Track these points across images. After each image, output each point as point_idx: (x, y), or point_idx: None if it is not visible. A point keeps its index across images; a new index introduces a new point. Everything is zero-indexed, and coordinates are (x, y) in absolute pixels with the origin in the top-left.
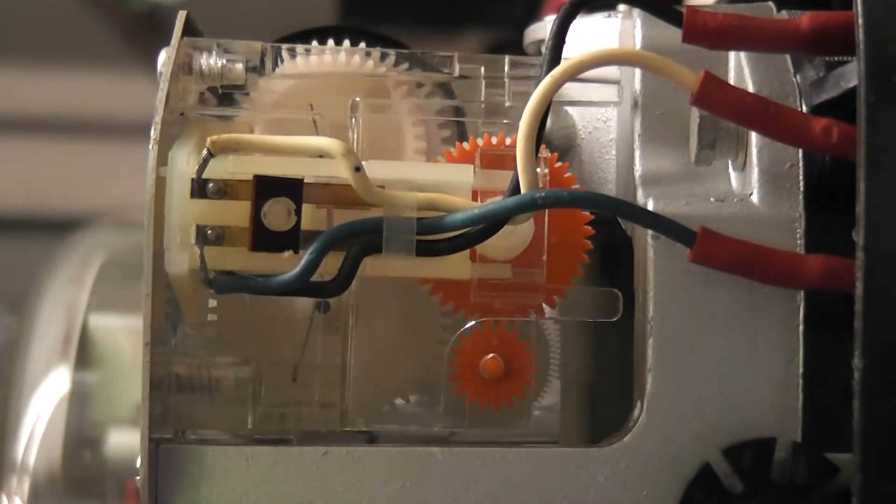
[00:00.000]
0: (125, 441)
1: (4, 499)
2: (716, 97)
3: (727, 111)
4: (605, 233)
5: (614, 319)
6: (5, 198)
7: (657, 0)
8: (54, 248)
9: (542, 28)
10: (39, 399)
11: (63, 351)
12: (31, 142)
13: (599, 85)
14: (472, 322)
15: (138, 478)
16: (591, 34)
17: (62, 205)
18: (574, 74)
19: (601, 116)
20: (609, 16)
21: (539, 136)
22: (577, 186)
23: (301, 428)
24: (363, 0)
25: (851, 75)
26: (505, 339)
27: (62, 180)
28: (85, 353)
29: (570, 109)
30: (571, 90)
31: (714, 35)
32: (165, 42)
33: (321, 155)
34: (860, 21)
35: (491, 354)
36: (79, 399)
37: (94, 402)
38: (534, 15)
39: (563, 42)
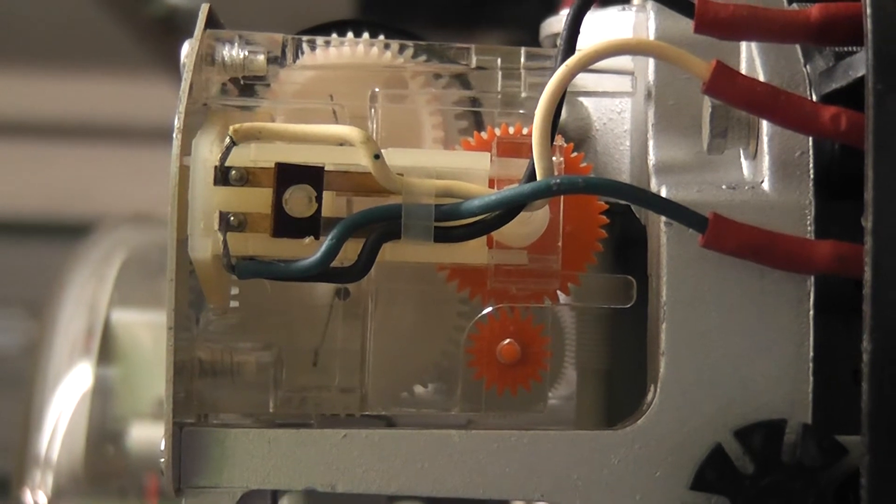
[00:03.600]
0: (147, 435)
1: (28, 492)
2: (727, 86)
3: (738, 100)
4: (619, 223)
5: (628, 306)
6: (25, 202)
7: None
8: (72, 252)
9: (558, 22)
10: (62, 394)
11: (85, 346)
12: (50, 146)
13: (613, 76)
14: (489, 308)
15: (162, 460)
16: (605, 27)
17: (81, 209)
18: (588, 64)
19: (615, 108)
20: (623, 8)
21: (555, 124)
22: (592, 175)
23: (321, 412)
24: (380, 1)
25: (860, 65)
26: (521, 325)
27: (82, 184)
28: (107, 349)
29: (584, 101)
30: (586, 81)
31: (725, 25)
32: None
33: (341, 143)
34: (868, 11)
35: (508, 339)
36: (101, 394)
37: (115, 397)
38: (547, 14)
39: (578, 32)
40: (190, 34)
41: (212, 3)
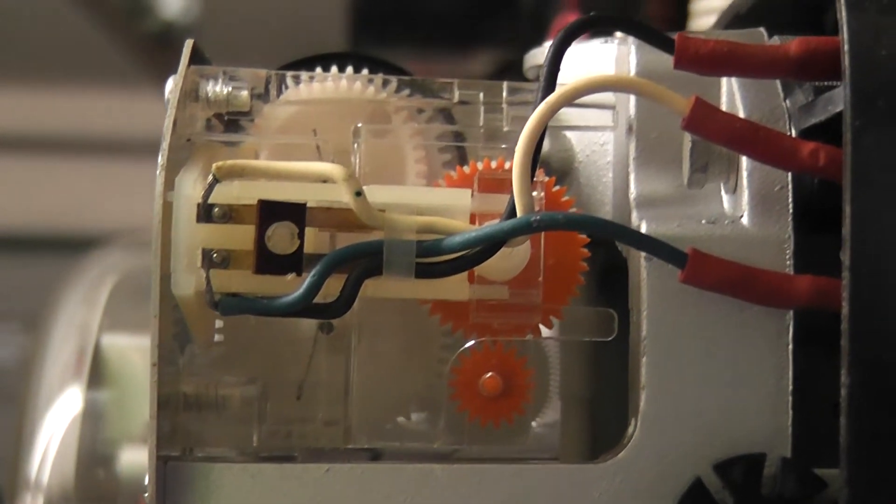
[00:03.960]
0: (137, 458)
1: None
2: (706, 122)
3: (717, 136)
4: (603, 252)
5: (610, 339)
6: (20, 217)
7: (650, 27)
8: (68, 267)
9: (542, 53)
10: (53, 417)
11: (76, 370)
12: (47, 161)
13: (595, 110)
14: (472, 341)
15: (146, 494)
16: (588, 59)
17: (76, 224)
18: (568, 101)
19: (598, 140)
20: (606, 41)
21: (535, 160)
22: (574, 209)
23: (305, 445)
24: (373, 20)
25: (838, 100)
26: (504, 358)
27: (77, 200)
28: (98, 372)
29: (568, 133)
30: (568, 115)
31: (705, 61)
32: (178, 62)
33: (324, 180)
34: (846, 48)
35: (490, 373)
36: (92, 417)
37: (106, 421)
38: (540, 35)
39: (559, 69)
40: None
41: (202, 30)
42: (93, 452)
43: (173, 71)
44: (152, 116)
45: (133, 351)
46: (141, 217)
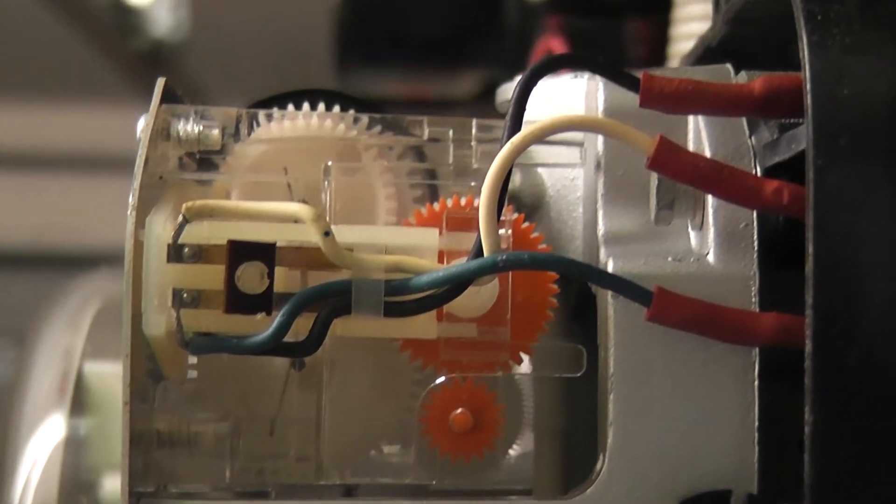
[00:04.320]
0: (119, 486)
1: None
2: (670, 162)
3: (682, 175)
4: (574, 285)
5: (579, 374)
6: (13, 234)
7: (616, 67)
8: (57, 283)
9: (512, 89)
10: (35, 444)
11: (59, 396)
12: (38, 178)
13: (564, 147)
14: (441, 378)
15: None
16: (558, 94)
17: (69, 241)
18: (534, 141)
19: (568, 175)
20: (575, 76)
21: (501, 199)
22: (543, 245)
23: (278, 481)
24: (360, 40)
25: (802, 138)
26: (474, 393)
27: (70, 216)
28: (80, 399)
29: (538, 168)
30: (537, 152)
31: (670, 100)
32: (169, 79)
33: (293, 220)
34: (808, 87)
35: (460, 409)
36: (74, 444)
37: (88, 448)
38: (525, 55)
39: (524, 109)
40: (174, 68)
41: (190, 49)
42: (75, 479)
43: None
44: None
45: (115, 378)
46: (120, 240)
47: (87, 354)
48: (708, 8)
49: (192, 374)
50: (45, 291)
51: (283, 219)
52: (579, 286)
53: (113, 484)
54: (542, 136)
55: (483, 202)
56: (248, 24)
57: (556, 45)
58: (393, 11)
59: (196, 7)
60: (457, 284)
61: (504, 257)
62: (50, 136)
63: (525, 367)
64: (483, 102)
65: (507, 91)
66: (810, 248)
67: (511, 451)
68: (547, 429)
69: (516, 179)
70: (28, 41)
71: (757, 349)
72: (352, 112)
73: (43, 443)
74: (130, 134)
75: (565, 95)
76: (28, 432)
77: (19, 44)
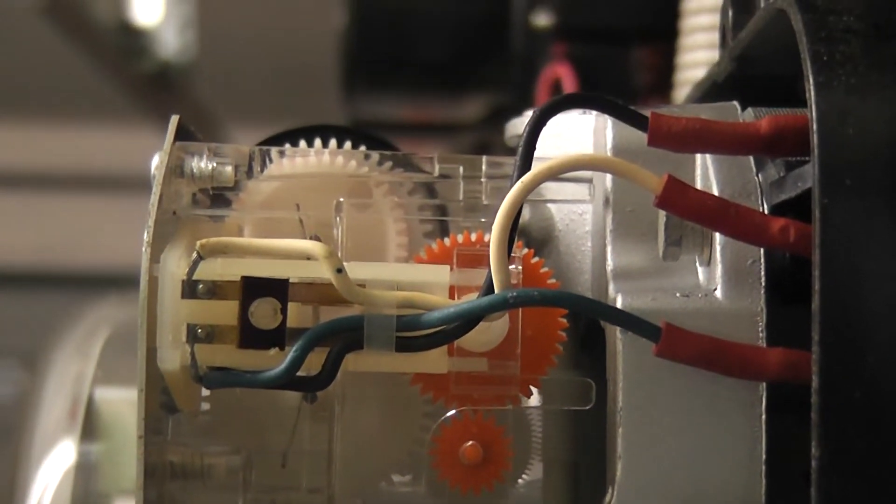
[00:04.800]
0: None
1: None
2: (678, 200)
3: (689, 213)
4: (583, 320)
5: (587, 408)
6: (20, 254)
7: (624, 106)
8: (68, 304)
9: (522, 123)
10: (46, 470)
11: (69, 422)
12: (45, 198)
13: (572, 183)
14: (452, 411)
15: None
16: (566, 130)
17: (76, 261)
18: (543, 180)
19: (577, 210)
20: (584, 113)
21: (511, 236)
22: (553, 280)
23: None
24: (366, 63)
25: (808, 176)
26: (484, 426)
27: (77, 236)
28: (91, 425)
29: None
30: (547, 188)
31: (678, 139)
32: (176, 100)
33: (306, 257)
34: (814, 126)
35: (470, 442)
36: (85, 470)
37: (99, 474)
38: (530, 79)
39: (534, 148)
40: (181, 89)
41: (201, 74)
42: None
43: (170, 110)
44: (150, 154)
45: (126, 404)
46: (138, 254)
47: (97, 381)
48: (714, 37)
49: (206, 406)
50: (51, 312)
51: (296, 256)
52: (588, 319)
53: None
54: (553, 176)
55: (494, 240)
56: (255, 46)
57: (562, 71)
58: (399, 36)
59: (203, 29)
60: (467, 321)
61: (514, 294)
62: (57, 157)
63: (534, 400)
64: (489, 126)
65: (517, 125)
66: (817, 286)
67: (520, 481)
68: (555, 460)
69: (525, 214)
70: (36, 63)
71: (764, 383)
72: (363, 149)
73: (53, 468)
74: (137, 155)
75: (574, 132)
76: (39, 458)
77: (27, 65)
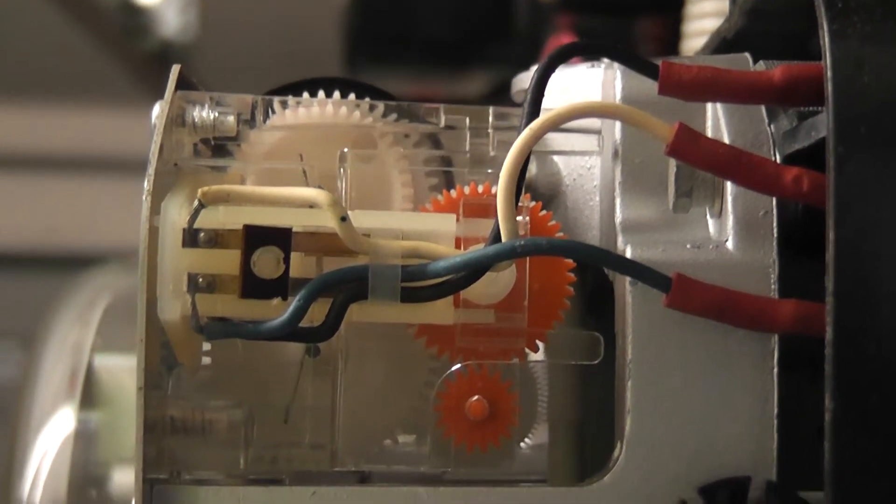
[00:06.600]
0: (129, 479)
1: None
2: (689, 148)
3: (701, 162)
4: (592, 276)
5: (596, 362)
6: (20, 235)
7: (634, 54)
8: (64, 285)
9: (529, 78)
10: (45, 438)
11: (69, 390)
12: (45, 179)
13: (581, 135)
14: (457, 365)
15: None
16: (575, 84)
17: (72, 242)
18: (552, 127)
19: (585, 164)
20: (592, 66)
21: (519, 185)
22: (560, 234)
23: (293, 469)
24: (369, 42)
25: (822, 126)
26: (489, 382)
27: (76, 217)
28: (90, 393)
29: (555, 157)
30: (554, 140)
31: (689, 88)
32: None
33: (309, 205)
34: (829, 74)
35: (476, 397)
36: (84, 438)
37: (99, 441)
38: (535, 55)
39: (543, 95)
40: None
41: (199, 50)
42: (85, 473)
43: None
44: (150, 135)
45: (125, 372)
46: (137, 235)
47: (97, 348)
48: (721, 4)
49: (207, 361)
50: (49, 294)
51: (300, 204)
52: (595, 277)
53: (122, 477)
54: (561, 122)
55: (501, 187)
56: (257, 25)
57: (566, 42)
58: (402, 12)
59: (205, 8)
60: (474, 270)
61: (522, 242)
62: (58, 138)
63: (540, 356)
64: (493, 102)
65: (523, 81)
66: (831, 235)
67: (525, 444)
68: (561, 420)
69: (532, 169)
70: (37, 43)
71: (776, 338)
72: (367, 100)
73: (53, 436)
74: (139, 135)
75: (582, 85)
76: (38, 426)
77: (27, 45)
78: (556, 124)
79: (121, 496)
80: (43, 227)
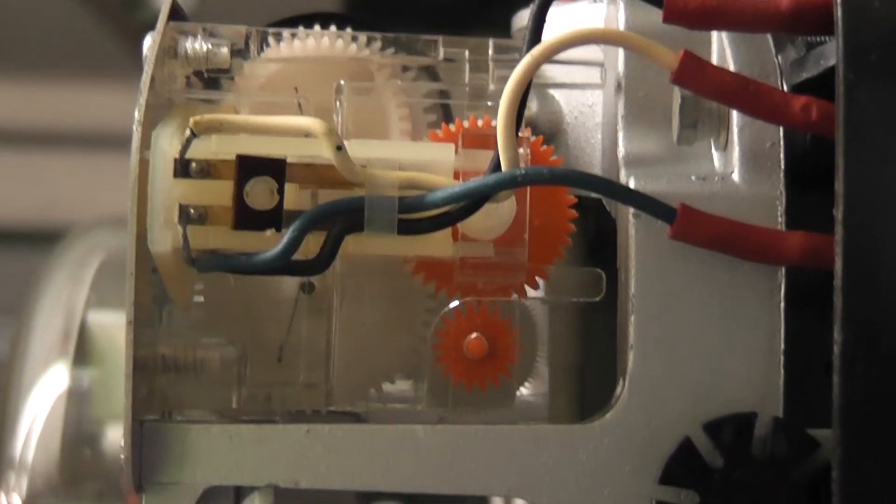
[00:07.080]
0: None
1: (3, 496)
2: (695, 76)
3: (707, 90)
4: (594, 218)
5: (598, 299)
6: (15, 209)
7: None
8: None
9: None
10: (38, 396)
11: (62, 348)
12: (40, 153)
13: (583, 67)
14: (455, 302)
15: (123, 456)
16: (576, 20)
17: (64, 216)
18: (554, 53)
19: (586, 101)
20: (594, 1)
21: (520, 114)
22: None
23: (286, 408)
24: (368, 9)
25: (830, 54)
26: (488, 319)
27: (73, 192)
28: (83, 351)
29: (555, 94)
30: (555, 73)
31: (694, 15)
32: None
33: (304, 134)
34: (839, 0)
35: (475, 334)
36: (77, 396)
37: (92, 399)
38: None
39: (544, 21)
40: None
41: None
42: (78, 431)
43: None
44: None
45: (119, 329)
46: (127, 210)
47: (90, 306)
48: None
49: (199, 298)
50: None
51: (294, 133)
52: (597, 216)
53: (116, 435)
54: (563, 49)
55: (501, 115)
56: None
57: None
58: None
59: None
60: (474, 200)
61: (523, 171)
62: (51, 112)
63: (540, 293)
64: None
65: (523, 17)
66: (840, 164)
67: (525, 390)
68: (562, 362)
69: (532, 107)
70: (32, 16)
71: (783, 272)
72: (364, 32)
73: (46, 395)
74: (130, 109)
75: (584, 20)
76: (30, 384)
77: (20, 19)
78: (558, 50)
79: (114, 453)
80: (40, 201)
